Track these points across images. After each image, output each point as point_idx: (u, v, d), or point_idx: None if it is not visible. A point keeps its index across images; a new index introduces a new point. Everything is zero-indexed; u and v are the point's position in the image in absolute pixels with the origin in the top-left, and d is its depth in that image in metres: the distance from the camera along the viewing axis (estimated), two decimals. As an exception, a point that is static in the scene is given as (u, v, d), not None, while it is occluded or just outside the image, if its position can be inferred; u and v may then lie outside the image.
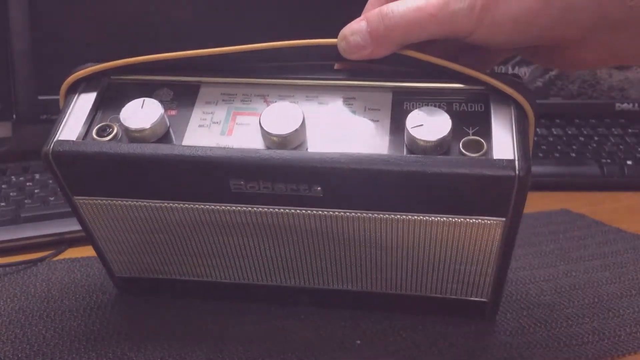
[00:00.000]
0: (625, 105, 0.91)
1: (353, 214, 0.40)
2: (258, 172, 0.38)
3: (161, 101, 0.40)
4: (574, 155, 0.81)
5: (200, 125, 0.40)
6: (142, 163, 0.38)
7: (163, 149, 0.38)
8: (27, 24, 0.72)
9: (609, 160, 0.79)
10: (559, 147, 0.83)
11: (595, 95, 0.91)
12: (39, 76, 0.74)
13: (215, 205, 0.41)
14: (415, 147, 0.37)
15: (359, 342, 0.44)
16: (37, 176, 0.70)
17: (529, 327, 0.46)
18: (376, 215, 0.39)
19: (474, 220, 0.39)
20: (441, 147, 0.37)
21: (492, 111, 0.38)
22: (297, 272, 0.45)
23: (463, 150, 0.37)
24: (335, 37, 0.39)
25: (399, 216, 0.39)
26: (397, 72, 0.41)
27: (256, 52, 0.40)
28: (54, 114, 0.74)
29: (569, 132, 0.87)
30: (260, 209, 0.40)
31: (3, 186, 0.67)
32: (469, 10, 0.36)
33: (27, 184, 0.68)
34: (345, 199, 0.39)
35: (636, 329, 0.46)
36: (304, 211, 0.40)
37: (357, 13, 0.42)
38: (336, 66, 0.43)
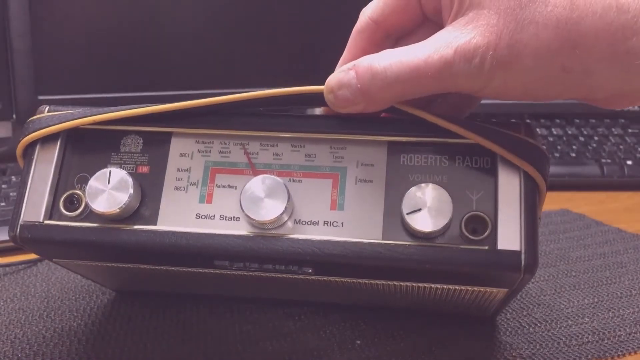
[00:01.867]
0: (625, 105, 0.91)
1: (348, 280, 0.37)
2: (243, 258, 0.35)
3: (130, 152, 0.37)
4: (574, 155, 0.81)
5: (176, 188, 0.36)
6: (117, 248, 0.35)
7: (140, 236, 0.35)
8: (27, 24, 0.72)
9: (609, 160, 0.79)
10: (559, 147, 0.83)
11: (595, 95, 0.91)
12: (39, 76, 0.74)
13: (200, 270, 0.38)
14: (412, 230, 0.34)
15: (359, 342, 0.44)
16: (37, 176, 0.70)
17: (529, 326, 0.46)
18: (372, 282, 0.37)
19: (475, 288, 0.36)
20: (440, 230, 0.33)
21: (499, 171, 0.34)
22: (294, 295, 0.46)
23: (465, 232, 0.33)
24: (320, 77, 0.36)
25: (395, 283, 0.37)
26: (392, 121, 0.36)
27: (234, 104, 0.36)
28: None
29: (569, 132, 0.87)
30: (250, 274, 0.37)
31: (3, 186, 0.67)
32: (475, 73, 0.31)
33: (27, 184, 0.68)
34: (339, 274, 0.36)
35: (636, 329, 0.46)
36: (295, 276, 0.37)
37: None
38: (323, 110, 0.38)
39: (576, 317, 0.47)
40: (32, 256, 0.57)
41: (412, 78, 0.32)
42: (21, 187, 0.36)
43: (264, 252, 0.34)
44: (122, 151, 0.37)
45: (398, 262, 0.33)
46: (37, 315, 0.48)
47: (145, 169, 0.37)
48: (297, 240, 0.34)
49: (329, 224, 0.35)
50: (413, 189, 0.33)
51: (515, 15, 0.31)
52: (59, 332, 0.45)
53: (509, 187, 0.34)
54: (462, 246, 0.33)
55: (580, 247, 0.59)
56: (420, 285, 0.37)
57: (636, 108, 0.91)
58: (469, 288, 0.36)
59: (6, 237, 0.59)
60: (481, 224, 0.34)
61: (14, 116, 0.75)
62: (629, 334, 0.45)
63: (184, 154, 0.37)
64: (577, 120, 0.90)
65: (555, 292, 0.51)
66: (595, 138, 0.86)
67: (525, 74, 0.31)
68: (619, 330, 0.46)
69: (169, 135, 0.37)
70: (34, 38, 0.73)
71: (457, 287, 0.36)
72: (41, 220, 0.36)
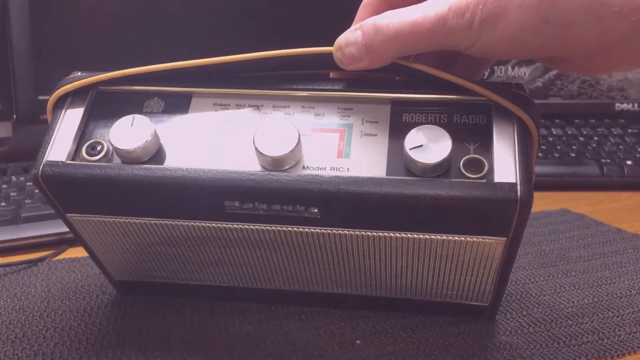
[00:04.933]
0: (625, 105, 0.91)
1: (351, 232, 0.39)
2: (253, 195, 0.37)
3: (152, 112, 0.39)
4: (573, 155, 0.81)
5: (193, 139, 0.39)
6: (134, 185, 0.37)
7: (155, 172, 0.37)
8: (27, 24, 0.72)
9: (608, 160, 0.79)
10: (558, 147, 0.83)
11: (595, 95, 0.91)
12: (39, 76, 0.74)
13: (210, 223, 0.40)
14: (414, 167, 0.36)
15: (359, 342, 0.44)
16: (37, 176, 0.70)
17: (529, 326, 0.46)
18: (375, 234, 0.39)
19: (474, 239, 0.38)
20: (441, 167, 0.36)
21: (494, 124, 0.37)
22: (296, 279, 0.45)
23: (463, 171, 0.36)
24: (331, 44, 0.38)
25: (398, 235, 0.38)
26: (395, 82, 0.40)
27: (249, 62, 0.39)
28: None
29: (569, 132, 0.87)
30: (257, 227, 0.39)
31: (3, 186, 0.67)
32: (467, 26, 0.35)
33: (28, 184, 0.68)
34: (344, 219, 0.38)
35: (636, 329, 0.46)
36: (301, 229, 0.39)
37: (350, 17, 0.41)
38: (332, 75, 0.42)
39: (576, 317, 0.47)
40: (32, 256, 0.57)
41: (411, 33, 0.35)
42: (48, 133, 0.39)
43: (273, 187, 0.36)
44: (145, 112, 0.40)
45: (401, 195, 0.35)
46: (37, 315, 0.48)
47: (165, 125, 0.39)
48: (305, 176, 0.36)
49: (335, 169, 0.37)
50: (414, 129, 0.36)
51: None
52: (59, 332, 0.45)
53: (504, 134, 0.36)
54: (461, 180, 0.35)
55: (580, 247, 0.59)
56: (418, 236, 0.38)
57: (636, 108, 0.91)
58: (467, 238, 0.38)
59: (6, 237, 0.59)
60: (479, 165, 0.36)
61: (14, 116, 0.75)
62: (629, 334, 0.45)
63: (203, 113, 0.39)
64: (577, 120, 0.90)
65: (555, 292, 0.51)
66: (595, 138, 0.86)
67: (510, 26, 0.34)
68: (619, 330, 0.46)
69: (189, 96, 0.40)
70: (34, 38, 0.73)
71: (455, 237, 0.38)
72: (64, 160, 0.38)
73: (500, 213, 0.35)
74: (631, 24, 0.33)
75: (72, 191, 0.39)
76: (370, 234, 0.39)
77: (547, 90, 0.90)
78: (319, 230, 0.39)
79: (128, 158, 0.38)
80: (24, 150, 0.77)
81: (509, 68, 0.90)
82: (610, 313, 0.48)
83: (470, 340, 0.44)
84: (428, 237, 0.38)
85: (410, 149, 0.35)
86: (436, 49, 0.36)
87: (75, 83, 0.40)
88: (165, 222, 0.40)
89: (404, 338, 0.45)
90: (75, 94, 0.40)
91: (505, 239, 0.37)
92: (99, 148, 0.38)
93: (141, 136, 0.37)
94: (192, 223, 0.40)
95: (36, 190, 0.66)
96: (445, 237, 0.38)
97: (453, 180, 0.35)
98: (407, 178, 0.36)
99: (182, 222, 0.40)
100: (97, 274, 0.53)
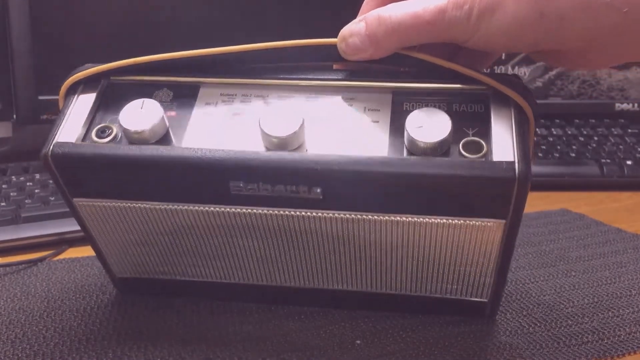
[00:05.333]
0: (625, 105, 0.91)
1: (353, 215, 0.39)
2: (257, 174, 0.38)
3: (161, 102, 0.40)
4: (573, 155, 0.82)
5: (200, 126, 0.40)
6: (141, 165, 0.38)
7: (162, 151, 0.38)
8: (27, 24, 0.72)
9: (608, 160, 0.79)
10: (558, 147, 0.83)
11: (595, 95, 0.91)
12: (39, 76, 0.74)
13: (215, 207, 0.40)
14: (414, 148, 0.37)
15: (359, 342, 0.44)
16: (37, 176, 0.70)
17: (529, 326, 0.46)
18: (376, 217, 0.39)
19: (474, 222, 0.38)
20: (441, 148, 0.37)
21: (492, 112, 0.38)
22: (297, 274, 0.45)
23: (463, 152, 0.37)
24: (333, 36, 0.39)
25: (399, 218, 0.39)
26: (397, 72, 0.41)
27: (256, 52, 0.40)
28: (54, 114, 0.74)
29: (569, 132, 0.87)
30: (260, 211, 0.40)
31: (3, 186, 0.67)
32: (465, 18, 0.36)
33: (27, 184, 0.68)
34: (345, 201, 0.39)
35: (636, 329, 0.46)
36: (303, 213, 0.40)
37: (354, 12, 0.42)
38: (335, 66, 0.43)
39: (576, 317, 0.47)
40: (32, 256, 0.57)
41: (412, 24, 0.37)
42: (59, 118, 0.40)
43: (277, 165, 0.37)
44: None
45: (402, 173, 0.37)
46: (37, 315, 0.48)
47: (173, 114, 0.41)
48: (309, 155, 0.38)
49: (338, 145, 0.38)
50: (415, 111, 0.37)
51: None
52: (59, 332, 0.45)
53: (502, 120, 0.38)
54: (461, 159, 0.37)
55: (580, 247, 0.59)
56: (419, 219, 0.39)
57: (636, 108, 0.91)
58: (467, 221, 0.38)
59: (6, 237, 0.59)
60: (478, 146, 0.37)
61: (14, 116, 0.75)
62: (629, 334, 0.45)
63: (209, 103, 0.41)
64: (577, 120, 0.90)
65: (555, 292, 0.51)
66: (595, 138, 0.86)
67: (506, 19, 0.35)
68: (619, 330, 0.46)
69: (197, 87, 0.42)
70: (34, 38, 0.73)
71: (455, 220, 0.38)
72: (74, 141, 0.39)
73: (499, 190, 0.36)
74: (623, 15, 0.35)
75: (81, 172, 0.40)
76: (371, 217, 0.39)
77: (547, 90, 0.91)
78: (321, 214, 0.39)
79: (136, 140, 0.39)
80: (24, 150, 0.77)
81: (509, 68, 0.90)
82: (610, 313, 0.48)
83: (470, 340, 0.44)
84: (429, 220, 0.39)
85: (411, 129, 0.37)
86: (436, 40, 0.38)
87: (87, 70, 0.41)
88: (170, 206, 0.41)
89: (404, 338, 0.45)
90: (87, 82, 0.42)
91: (504, 221, 0.38)
92: (108, 132, 0.39)
93: (150, 118, 0.38)
94: (197, 207, 0.40)
95: (36, 190, 0.66)
96: (445, 220, 0.39)
97: (453, 159, 0.37)
98: (408, 157, 0.37)
99: (186, 207, 0.41)
100: (97, 274, 0.53)
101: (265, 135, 0.37)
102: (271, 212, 0.40)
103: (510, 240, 0.39)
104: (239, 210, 0.40)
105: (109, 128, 0.40)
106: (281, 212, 0.40)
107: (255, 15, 0.80)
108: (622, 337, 0.45)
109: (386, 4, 0.39)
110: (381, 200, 0.39)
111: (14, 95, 0.74)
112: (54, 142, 0.39)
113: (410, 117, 0.37)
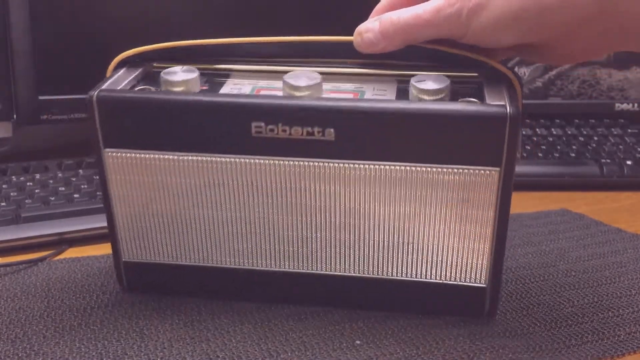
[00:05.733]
0: (624, 105, 0.91)
1: (362, 164, 0.43)
2: (277, 113, 0.42)
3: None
4: (573, 155, 0.81)
5: (228, 92, 0.46)
6: (176, 107, 0.43)
7: (194, 96, 0.44)
8: (27, 24, 0.72)
9: (608, 160, 0.79)
10: (558, 147, 0.83)
11: (595, 96, 0.91)
12: (39, 76, 0.74)
13: (236, 158, 0.44)
14: (418, 94, 0.43)
15: (358, 342, 0.44)
16: (37, 176, 0.70)
17: (529, 327, 0.46)
18: (382, 165, 0.43)
19: (468, 169, 0.42)
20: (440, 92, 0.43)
21: (485, 89, 0.44)
22: (303, 250, 0.46)
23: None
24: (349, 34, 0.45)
25: (404, 167, 0.43)
26: (400, 65, 0.47)
27: (284, 44, 0.47)
28: (54, 114, 0.74)
29: (569, 132, 0.87)
30: (277, 161, 0.44)
31: (3, 186, 0.67)
32: (457, 16, 0.41)
33: (28, 184, 0.68)
34: (355, 144, 0.43)
35: (635, 329, 0.46)
36: (316, 163, 0.43)
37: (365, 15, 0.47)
38: (349, 62, 0.48)
39: (576, 317, 0.47)
40: (32, 256, 0.57)
41: (416, 24, 0.42)
42: (105, 79, 0.46)
43: (295, 105, 0.42)
44: None
45: (408, 109, 0.42)
46: (37, 314, 0.48)
47: (205, 87, 0.47)
48: (323, 98, 0.44)
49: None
50: (419, 74, 0.44)
51: None
52: (59, 331, 0.45)
53: (495, 90, 0.43)
54: (457, 101, 0.43)
55: (580, 247, 0.59)
56: (420, 168, 0.43)
57: (636, 108, 0.91)
58: (463, 169, 0.42)
59: (6, 237, 0.59)
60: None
61: (14, 116, 0.75)
62: (629, 334, 0.45)
63: (237, 83, 0.48)
64: (577, 120, 0.90)
65: (555, 292, 0.51)
66: (595, 138, 0.86)
67: (493, 13, 0.40)
68: (619, 330, 0.46)
69: (227, 75, 0.49)
70: (34, 38, 0.73)
71: (452, 168, 0.42)
72: (118, 90, 0.45)
73: (492, 128, 0.41)
74: (598, 4, 0.39)
75: (121, 115, 0.44)
76: (380, 166, 0.43)
77: (547, 90, 0.91)
78: (332, 163, 0.43)
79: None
80: (24, 150, 0.77)
81: (509, 68, 0.90)
82: (610, 313, 0.48)
83: (469, 341, 0.44)
84: (429, 168, 0.43)
85: (414, 82, 0.43)
86: (437, 36, 0.43)
87: (134, 50, 0.48)
88: (196, 157, 0.44)
89: (404, 338, 0.45)
90: (130, 66, 0.48)
91: (498, 169, 0.42)
92: (147, 89, 0.46)
93: (187, 76, 0.45)
94: (219, 158, 0.44)
95: (36, 190, 0.66)
96: (440, 168, 0.42)
97: (451, 101, 0.43)
98: (413, 102, 0.43)
99: (211, 157, 0.44)
100: (97, 274, 0.53)
101: (287, 86, 0.43)
102: (287, 161, 0.44)
103: (505, 194, 0.42)
104: (258, 160, 0.44)
105: (149, 89, 0.45)
106: (296, 162, 0.44)
107: (266, 13, 0.80)
108: (622, 337, 0.45)
109: (397, 6, 0.45)
110: (387, 145, 0.43)
111: (14, 95, 0.74)
112: (100, 88, 0.44)
113: (414, 78, 0.44)
